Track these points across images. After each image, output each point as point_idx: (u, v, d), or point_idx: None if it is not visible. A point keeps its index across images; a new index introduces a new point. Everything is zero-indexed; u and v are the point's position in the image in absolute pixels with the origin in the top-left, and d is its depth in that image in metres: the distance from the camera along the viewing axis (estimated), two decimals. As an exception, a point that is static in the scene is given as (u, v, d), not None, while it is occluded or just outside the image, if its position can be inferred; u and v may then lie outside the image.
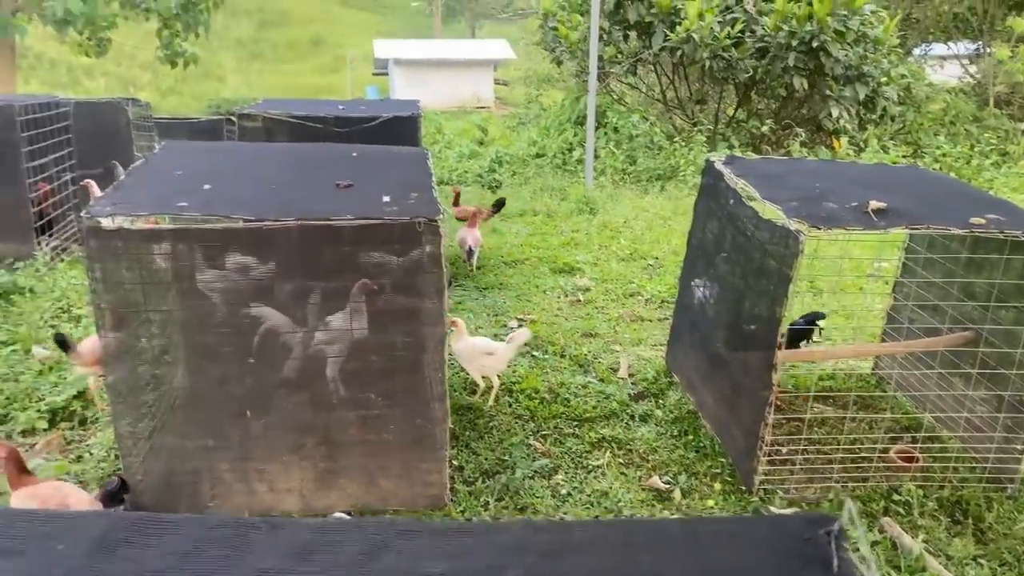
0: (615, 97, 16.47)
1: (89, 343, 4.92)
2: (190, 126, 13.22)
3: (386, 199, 4.16)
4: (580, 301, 7.54)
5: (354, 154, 5.04)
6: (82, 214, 3.75)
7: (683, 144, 14.51)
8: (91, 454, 4.67)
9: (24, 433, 4.99)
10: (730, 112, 16.92)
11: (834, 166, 5.66)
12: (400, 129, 7.20)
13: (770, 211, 4.49)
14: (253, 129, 6.99)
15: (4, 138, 7.11)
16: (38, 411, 5.07)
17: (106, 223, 3.71)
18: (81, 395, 5.25)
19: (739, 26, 14.49)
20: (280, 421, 4.14)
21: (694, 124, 16.80)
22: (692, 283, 5.64)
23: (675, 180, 13.55)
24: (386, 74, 38.73)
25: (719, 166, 5.23)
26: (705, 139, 14.52)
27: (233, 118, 14.70)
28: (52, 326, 6.25)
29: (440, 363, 4.14)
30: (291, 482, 4.24)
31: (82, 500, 3.87)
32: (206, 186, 4.21)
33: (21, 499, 3.82)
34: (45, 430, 5.00)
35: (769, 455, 4.57)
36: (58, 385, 5.38)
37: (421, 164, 4.91)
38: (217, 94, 41.07)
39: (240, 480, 4.21)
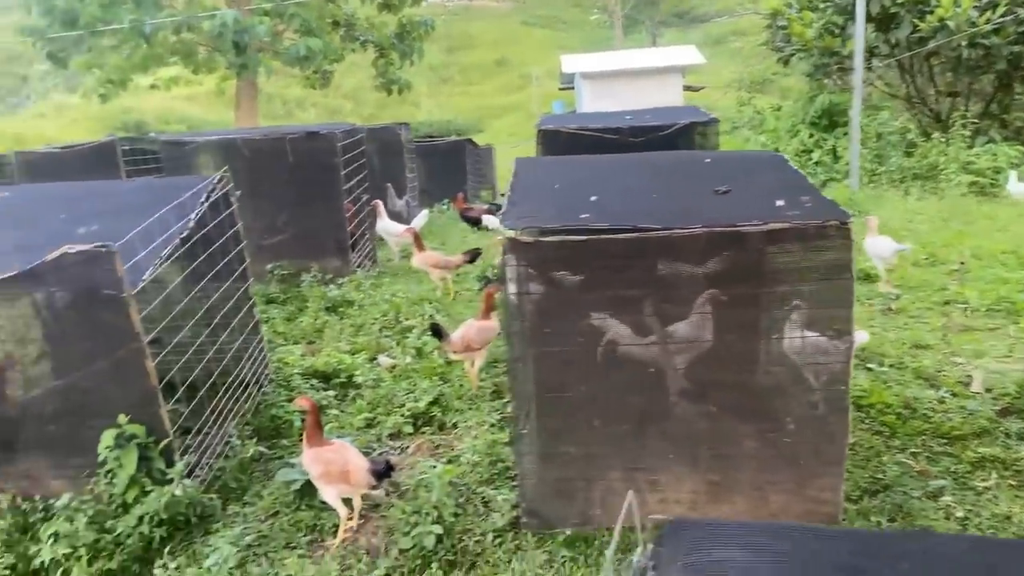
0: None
1: (460, 332, 5.51)
2: (435, 148, 13.89)
3: (780, 203, 4.02)
4: (892, 310, 7.06)
5: (707, 160, 4.96)
6: (502, 227, 3.89)
7: (941, 141, 13.42)
8: (465, 459, 4.85)
9: (391, 436, 5.30)
10: (979, 106, 15.51)
11: None
12: (696, 135, 7.08)
13: None
14: (553, 144, 7.12)
15: (327, 163, 7.72)
16: (402, 416, 5.36)
17: (523, 237, 3.83)
18: (437, 402, 5.50)
19: (1000, 10, 13.25)
20: (675, 431, 4.09)
21: (937, 119, 15.56)
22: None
23: (934, 180, 12.55)
24: (572, 88, 39.12)
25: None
26: (969, 135, 13.35)
27: (473, 140, 15.36)
28: (386, 336, 6.66)
29: (845, 374, 3.94)
30: (682, 493, 4.18)
31: (359, 467, 4.13)
32: (592, 197, 4.26)
33: (310, 459, 4.20)
34: (410, 434, 5.28)
35: None
36: (412, 392, 5.68)
37: (783, 167, 4.74)
38: (413, 118, 43.28)
39: (632, 489, 4.20)
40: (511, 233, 3.85)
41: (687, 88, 36.83)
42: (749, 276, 3.90)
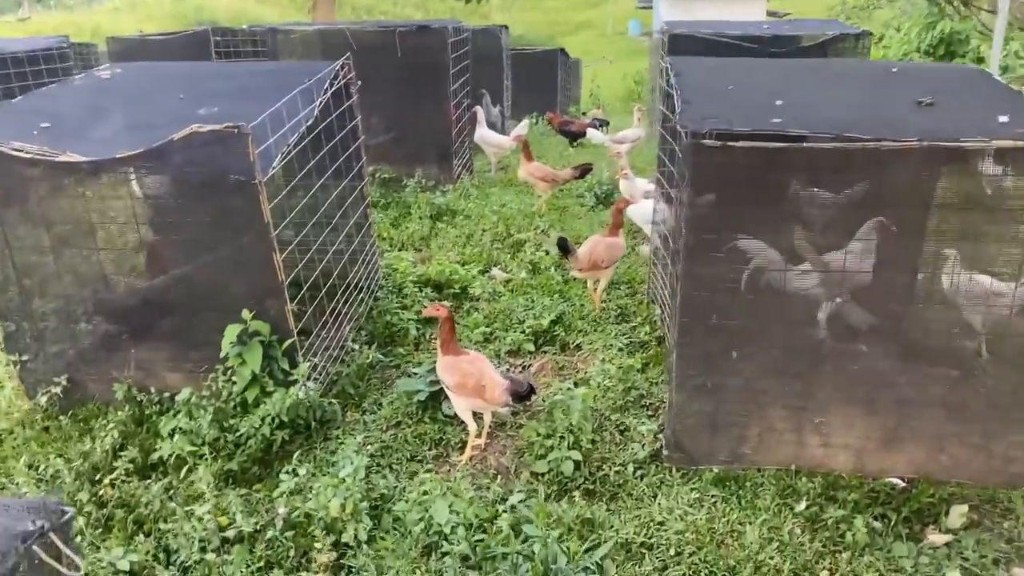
0: (979, 22, 14.36)
1: (586, 248, 5.17)
2: (527, 57, 13.23)
3: (1003, 119, 3.48)
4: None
5: (894, 69, 4.38)
6: (682, 129, 3.44)
7: (1078, 78, 12.29)
8: (595, 383, 4.52)
9: (510, 353, 4.99)
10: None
11: None
12: (842, 49, 6.42)
13: None
14: (682, 50, 6.53)
15: (437, 61, 7.21)
16: (522, 332, 5.04)
17: (709, 141, 3.38)
18: (559, 320, 5.16)
19: None
20: (852, 371, 3.68)
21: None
22: None
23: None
24: (650, 8, 37.42)
25: None
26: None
27: (566, 50, 14.63)
28: (497, 248, 6.30)
29: (1062, 320, 3.46)
30: (849, 439, 3.79)
31: (496, 383, 3.87)
32: (777, 102, 3.76)
33: (445, 366, 3.97)
34: (531, 353, 4.97)
35: None
36: (531, 309, 5.34)
37: (988, 81, 4.15)
38: (483, 31, 41.96)
39: (792, 430, 3.83)
40: (695, 138, 3.40)
41: (771, 14, 34.87)
42: (967, 197, 3.41)
